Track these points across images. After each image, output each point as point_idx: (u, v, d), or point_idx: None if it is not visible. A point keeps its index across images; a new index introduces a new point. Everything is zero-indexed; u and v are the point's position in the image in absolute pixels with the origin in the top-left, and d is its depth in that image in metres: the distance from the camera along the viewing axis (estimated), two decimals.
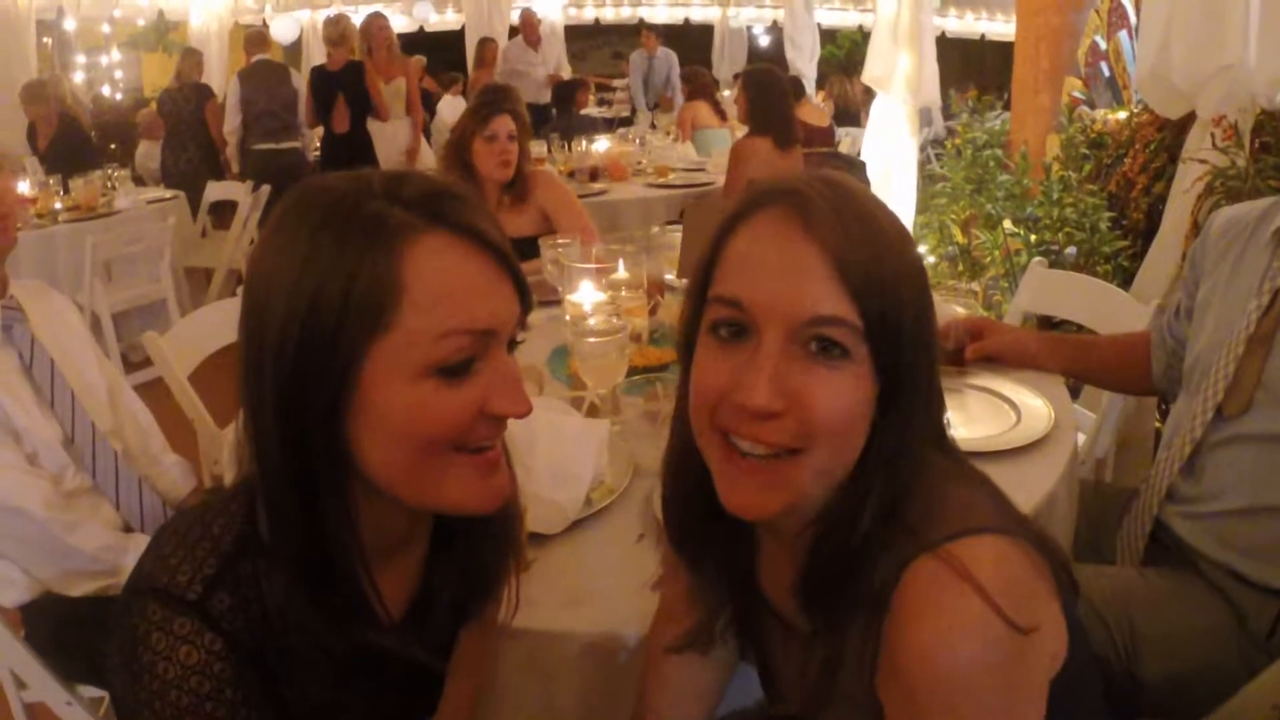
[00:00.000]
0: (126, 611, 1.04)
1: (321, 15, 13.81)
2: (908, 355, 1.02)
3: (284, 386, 0.99)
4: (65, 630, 2.15)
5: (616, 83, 15.41)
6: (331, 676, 1.09)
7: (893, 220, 1.06)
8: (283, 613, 1.05)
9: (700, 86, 8.98)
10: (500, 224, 1.09)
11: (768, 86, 5.63)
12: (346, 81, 7.32)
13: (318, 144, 9.55)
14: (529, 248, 3.20)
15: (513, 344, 1.09)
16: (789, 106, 5.73)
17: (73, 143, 8.17)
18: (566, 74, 12.05)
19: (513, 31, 11.48)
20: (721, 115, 8.80)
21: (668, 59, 12.61)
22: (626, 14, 16.30)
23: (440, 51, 13.61)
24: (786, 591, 1.14)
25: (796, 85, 9.14)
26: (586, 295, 2.38)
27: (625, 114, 13.08)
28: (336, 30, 7.41)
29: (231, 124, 8.14)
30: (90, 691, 2.19)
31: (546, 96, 10.45)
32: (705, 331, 1.07)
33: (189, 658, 1.01)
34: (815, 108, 8.98)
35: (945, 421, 1.13)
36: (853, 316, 0.99)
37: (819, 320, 0.99)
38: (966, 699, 0.91)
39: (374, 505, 1.08)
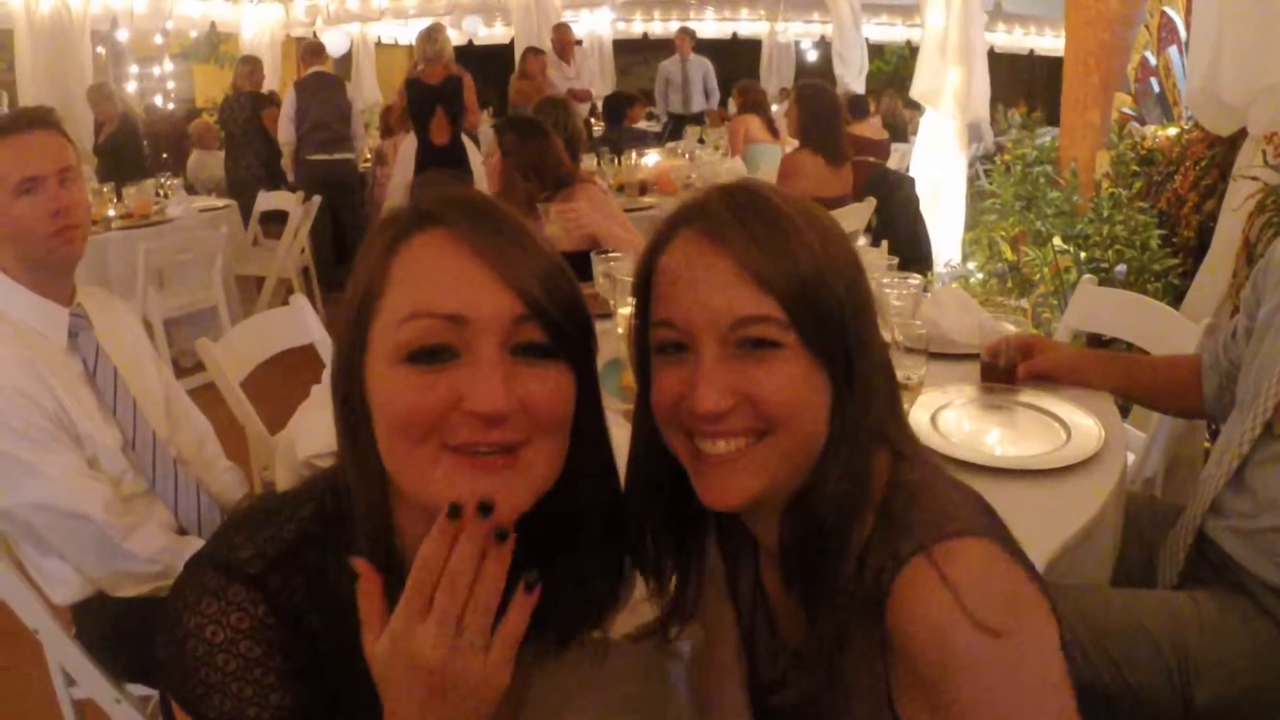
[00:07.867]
0: (182, 582, 1.06)
1: (371, 29, 13.96)
2: (850, 336, 1.10)
3: (338, 371, 1.08)
4: (115, 629, 2.19)
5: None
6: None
7: (807, 213, 1.13)
8: (350, 602, 1.02)
9: (753, 101, 8.90)
10: (537, 236, 1.10)
11: (821, 103, 5.64)
12: (447, 95, 7.33)
13: (368, 155, 9.61)
14: (581, 262, 3.23)
15: (531, 348, 1.05)
16: (841, 123, 5.73)
17: (128, 144, 8.38)
18: (596, 89, 11.88)
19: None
20: (774, 131, 8.71)
21: (701, 65, 12.37)
22: (675, 28, 16.26)
23: (489, 66, 13.68)
24: (780, 589, 1.22)
25: (859, 103, 9.11)
26: None
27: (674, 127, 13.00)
28: (434, 46, 7.40)
29: (285, 134, 8.20)
30: (139, 690, 2.23)
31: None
32: (655, 352, 1.16)
33: (240, 623, 1.02)
34: (873, 126, 8.95)
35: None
36: (774, 311, 1.07)
37: (742, 322, 1.08)
38: (970, 676, 0.96)
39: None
